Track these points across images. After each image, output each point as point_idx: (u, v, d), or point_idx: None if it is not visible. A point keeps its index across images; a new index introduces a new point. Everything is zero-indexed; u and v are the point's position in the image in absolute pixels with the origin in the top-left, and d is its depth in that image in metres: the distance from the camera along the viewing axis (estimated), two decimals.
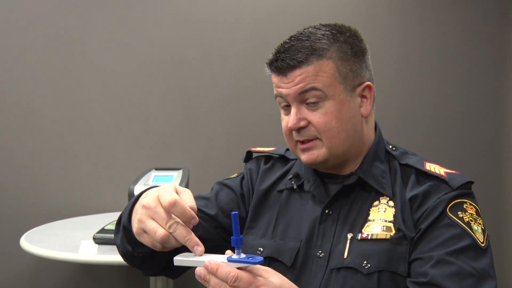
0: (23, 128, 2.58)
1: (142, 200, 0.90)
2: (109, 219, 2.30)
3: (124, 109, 2.67)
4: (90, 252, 1.91)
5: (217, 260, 0.84)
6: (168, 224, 0.86)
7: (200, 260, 0.86)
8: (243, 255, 0.84)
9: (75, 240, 2.06)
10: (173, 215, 0.87)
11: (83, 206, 2.62)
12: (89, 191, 2.64)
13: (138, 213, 0.91)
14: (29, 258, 2.47)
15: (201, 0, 2.69)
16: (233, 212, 0.84)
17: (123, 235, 1.04)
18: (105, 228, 2.07)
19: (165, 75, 2.68)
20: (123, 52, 2.65)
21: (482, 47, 2.86)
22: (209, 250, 1.00)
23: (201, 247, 0.86)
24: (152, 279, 2.21)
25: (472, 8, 2.84)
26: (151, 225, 0.87)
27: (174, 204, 0.85)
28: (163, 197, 0.87)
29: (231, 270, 0.82)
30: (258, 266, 0.85)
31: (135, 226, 0.92)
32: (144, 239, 0.90)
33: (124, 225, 1.01)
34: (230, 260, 0.84)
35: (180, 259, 0.89)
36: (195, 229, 0.91)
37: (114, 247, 1.97)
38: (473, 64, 2.87)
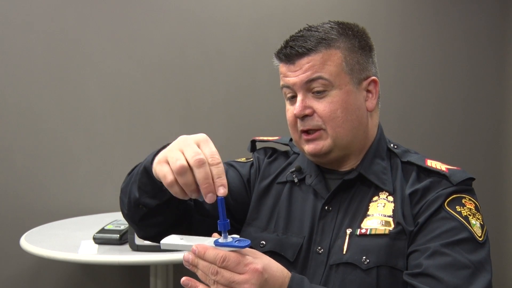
0: (23, 128, 2.58)
1: (181, 136, 0.88)
2: (109, 219, 2.30)
3: (124, 109, 2.67)
4: (90, 252, 1.92)
5: (204, 244, 0.84)
6: (195, 158, 0.82)
7: (187, 244, 0.86)
8: (230, 239, 0.84)
9: (75, 240, 2.06)
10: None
11: (83, 206, 2.62)
12: (89, 191, 2.64)
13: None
14: (29, 258, 2.47)
15: (201, 0, 2.69)
16: (219, 197, 0.83)
17: (138, 179, 1.00)
18: (105, 228, 2.07)
19: (165, 75, 2.68)
20: (123, 52, 2.65)
21: (482, 46, 2.86)
22: (211, 226, 0.99)
23: (214, 196, 0.82)
24: (152, 279, 2.21)
25: (472, 8, 2.84)
26: (176, 154, 0.84)
27: (219, 163, 0.83)
28: (208, 147, 0.85)
29: (219, 251, 0.82)
30: (246, 249, 0.85)
31: (159, 155, 0.89)
32: (160, 168, 0.86)
33: (145, 166, 0.97)
34: (217, 244, 0.84)
35: (166, 243, 0.89)
36: (203, 203, 0.89)
37: (114, 247, 1.99)
38: (473, 64, 2.87)
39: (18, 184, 2.59)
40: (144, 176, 0.98)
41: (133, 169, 1.08)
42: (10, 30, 2.55)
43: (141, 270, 2.60)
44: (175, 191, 0.85)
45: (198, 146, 0.85)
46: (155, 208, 1.01)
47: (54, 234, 2.20)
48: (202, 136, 0.87)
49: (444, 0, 2.83)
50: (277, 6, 2.72)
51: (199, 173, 0.82)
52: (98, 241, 2.00)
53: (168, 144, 0.90)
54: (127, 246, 1.97)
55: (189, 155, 0.83)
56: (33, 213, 2.57)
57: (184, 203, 1.07)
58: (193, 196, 0.85)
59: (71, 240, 2.08)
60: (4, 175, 2.58)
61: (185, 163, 0.82)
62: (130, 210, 1.06)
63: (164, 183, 0.86)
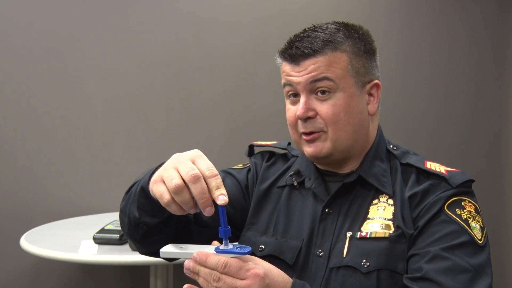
0: (23, 128, 2.58)
1: (175, 154, 0.88)
2: (109, 219, 2.30)
3: (124, 109, 2.67)
4: (90, 252, 1.92)
5: (205, 251, 0.84)
6: (190, 174, 0.82)
7: (188, 252, 0.86)
8: (230, 246, 0.84)
9: (75, 240, 2.06)
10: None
11: (83, 206, 2.62)
12: (89, 191, 2.64)
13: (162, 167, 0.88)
14: (29, 258, 2.47)
15: (201, 0, 2.69)
16: (220, 205, 0.83)
17: (136, 199, 1.01)
18: (105, 228, 2.07)
19: (165, 75, 2.68)
20: (123, 52, 2.65)
21: (482, 47, 2.86)
22: (210, 236, 0.99)
23: (212, 209, 0.83)
24: (152, 279, 2.21)
25: (472, 8, 2.84)
26: (171, 172, 0.84)
27: (217, 175, 0.83)
28: (203, 162, 0.85)
29: (220, 257, 0.82)
30: (247, 256, 0.85)
31: (155, 175, 0.89)
32: (157, 188, 0.86)
33: (143, 186, 0.98)
34: (218, 251, 0.84)
35: (166, 251, 0.89)
36: (201, 214, 0.90)
37: (114, 247, 1.99)
38: (473, 64, 2.87)
39: (18, 184, 2.59)
40: (142, 196, 0.99)
41: (130, 187, 1.08)
42: (10, 30, 2.55)
43: (141, 270, 2.60)
44: (173, 210, 0.86)
45: (193, 162, 0.85)
46: (155, 226, 1.02)
47: (54, 234, 2.20)
48: (196, 152, 0.87)
49: (444, 1, 2.83)
50: (277, 6, 2.72)
51: (195, 189, 0.82)
52: (98, 241, 2.00)
53: (164, 163, 0.90)
54: (127, 246, 1.97)
55: (183, 172, 0.83)
56: (33, 213, 2.57)
57: (184, 219, 1.08)
58: (191, 212, 0.86)
59: (71, 240, 2.08)
60: (4, 175, 2.58)
61: (181, 182, 0.83)
62: (131, 229, 1.06)
63: (162, 202, 0.86)
